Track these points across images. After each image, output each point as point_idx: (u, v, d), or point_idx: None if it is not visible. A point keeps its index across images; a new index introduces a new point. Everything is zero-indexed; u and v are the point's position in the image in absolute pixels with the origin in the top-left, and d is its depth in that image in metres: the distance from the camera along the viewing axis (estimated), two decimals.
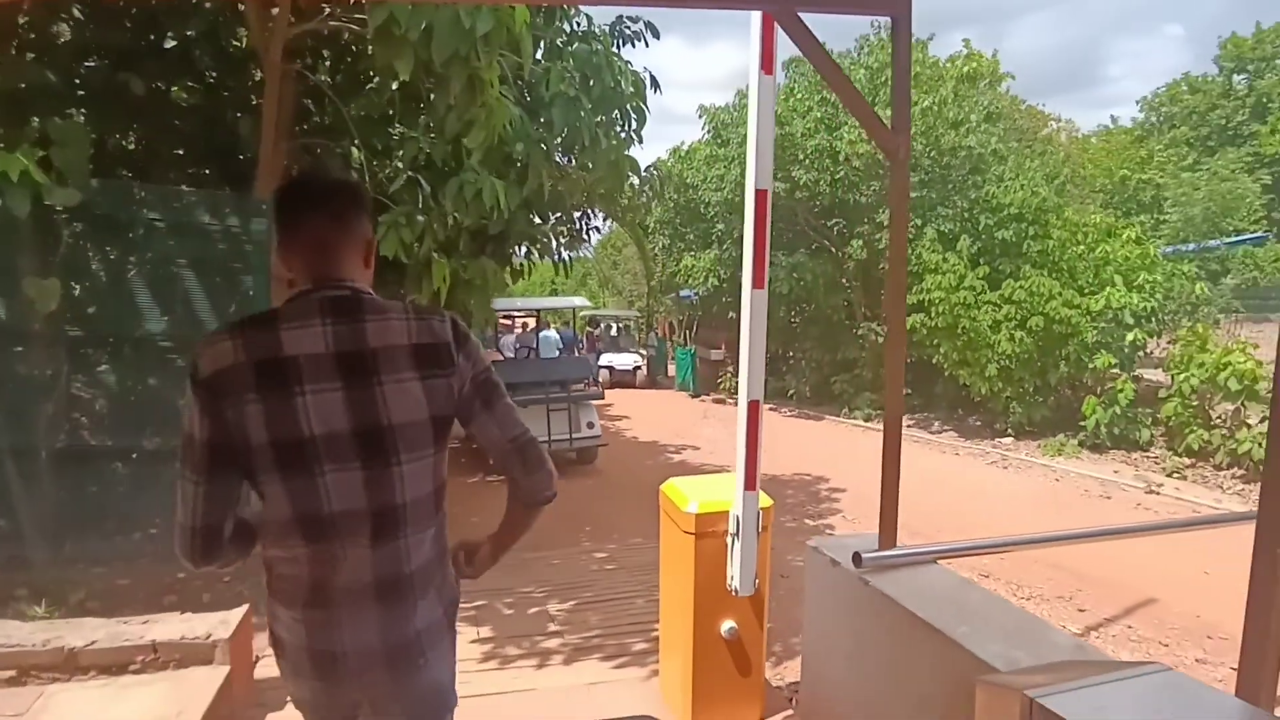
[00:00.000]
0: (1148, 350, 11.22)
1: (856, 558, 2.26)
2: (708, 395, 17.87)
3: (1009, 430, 11.40)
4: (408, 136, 4.26)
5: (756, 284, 2.57)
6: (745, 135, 10.26)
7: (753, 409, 2.62)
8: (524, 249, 6.37)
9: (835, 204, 12.94)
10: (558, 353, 20.89)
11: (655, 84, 5.30)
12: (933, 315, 11.11)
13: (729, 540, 2.65)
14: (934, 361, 11.79)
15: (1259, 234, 17.80)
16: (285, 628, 1.36)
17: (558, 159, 5.02)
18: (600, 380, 20.32)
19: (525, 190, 4.50)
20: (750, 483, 2.60)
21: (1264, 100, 28.94)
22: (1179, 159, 26.37)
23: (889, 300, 2.44)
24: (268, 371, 1.23)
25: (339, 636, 1.33)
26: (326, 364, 1.25)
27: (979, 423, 12.41)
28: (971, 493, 7.79)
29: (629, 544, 5.99)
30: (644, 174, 5.83)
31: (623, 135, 4.80)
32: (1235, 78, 30.63)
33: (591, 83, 4.42)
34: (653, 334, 24.24)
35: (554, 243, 6.37)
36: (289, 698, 1.50)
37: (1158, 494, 7.90)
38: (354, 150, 4.48)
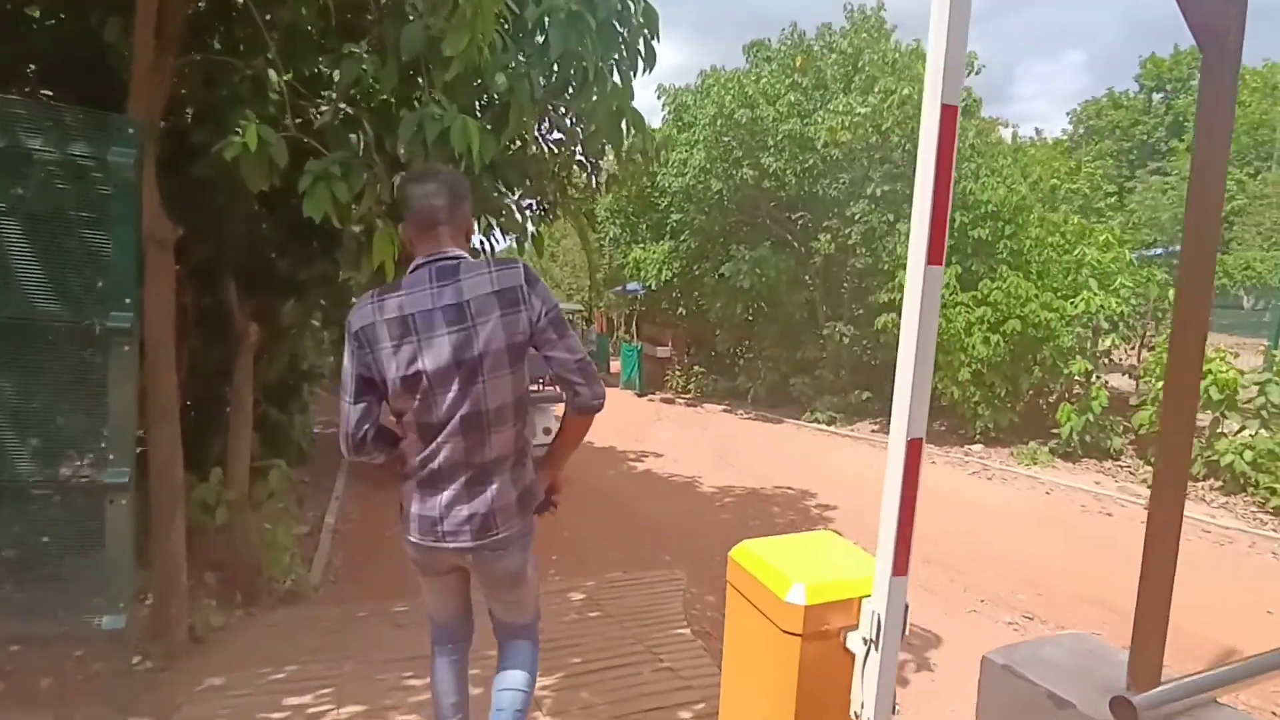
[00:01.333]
0: (1111, 356, 11.03)
1: (1124, 708, 1.39)
2: (655, 394, 17.02)
3: (977, 437, 11.00)
4: (346, 55, 3.13)
5: (933, 258, 1.63)
6: (714, 116, 9.23)
7: (913, 452, 1.71)
8: (482, 222, 5.29)
9: (801, 196, 12.25)
10: None
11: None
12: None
13: (863, 647, 1.74)
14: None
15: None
16: (408, 499, 1.96)
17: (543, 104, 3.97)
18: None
19: (504, 138, 3.45)
20: (901, 565, 1.69)
21: (1180, 119, 30.39)
22: (1104, 171, 27.25)
23: (1185, 295, 1.47)
24: (394, 326, 1.82)
25: (438, 504, 1.90)
26: (434, 317, 1.82)
27: (944, 428, 11.99)
28: (967, 507, 7.19)
29: (608, 580, 5.02)
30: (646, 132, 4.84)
31: (629, 75, 3.80)
32: (1154, 96, 32.11)
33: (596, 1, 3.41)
34: (591, 329, 23.24)
35: (519, 216, 5.29)
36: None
37: None
38: (271, 74, 3.32)
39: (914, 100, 10.66)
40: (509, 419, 1.88)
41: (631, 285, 19.14)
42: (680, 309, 16.53)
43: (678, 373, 17.24)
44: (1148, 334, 10.56)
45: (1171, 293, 10.24)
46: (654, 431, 11.88)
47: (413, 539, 1.93)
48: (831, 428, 12.32)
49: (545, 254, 24.59)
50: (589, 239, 21.12)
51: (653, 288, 16.19)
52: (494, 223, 5.16)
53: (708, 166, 11.91)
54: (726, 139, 11.73)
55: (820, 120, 10.98)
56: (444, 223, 1.86)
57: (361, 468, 8.57)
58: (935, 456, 10.20)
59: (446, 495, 1.87)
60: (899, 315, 7.84)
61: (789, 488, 7.69)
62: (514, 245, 5.65)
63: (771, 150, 11.47)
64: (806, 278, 12.88)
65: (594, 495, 7.28)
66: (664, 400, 16.24)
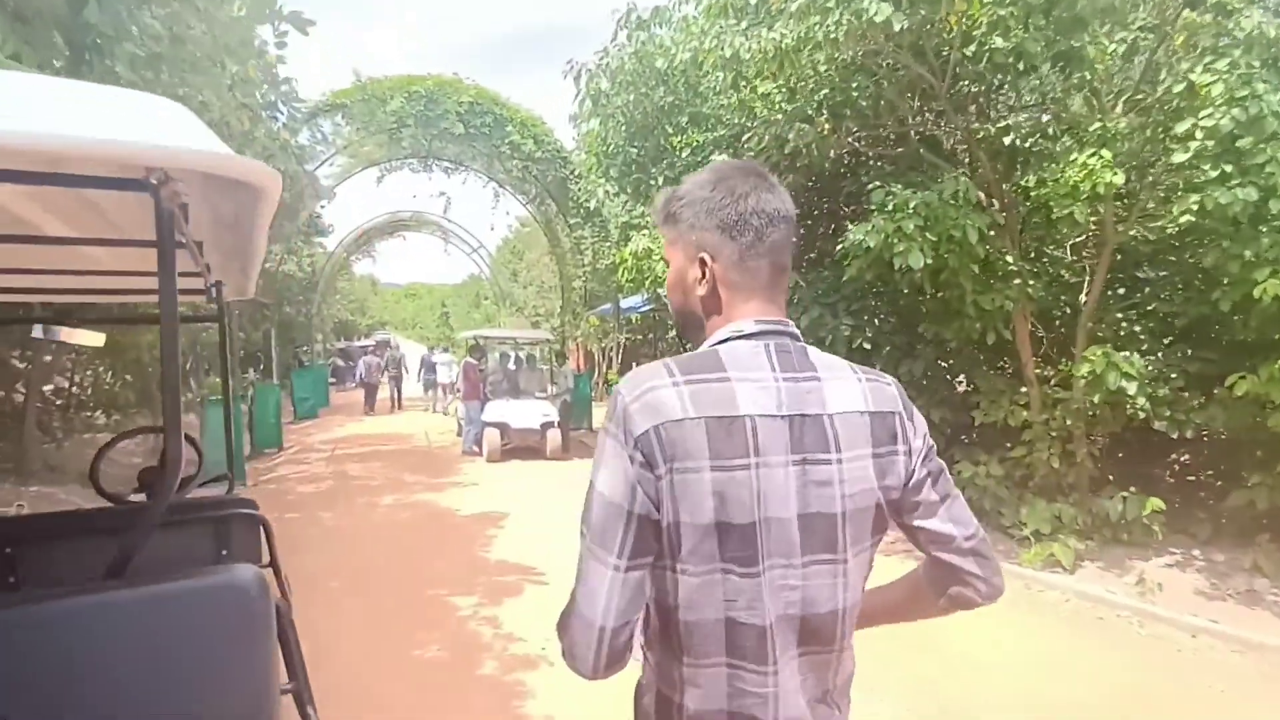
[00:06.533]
0: None
1: None
2: None
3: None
4: None
5: None
6: None
7: None
8: None
9: (1001, 89, 5.51)
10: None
11: None
12: None
13: None
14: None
15: None
16: None
17: None
18: (488, 445, 12.17)
19: None
20: None
21: None
22: None
23: None
24: (719, 431, 0.97)
25: None
26: (779, 430, 1.00)
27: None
28: None
29: None
30: None
31: None
32: None
33: None
34: (566, 367, 16.24)
35: None
36: None
37: None
38: None
39: None
40: (853, 626, 1.10)
41: (629, 301, 12.40)
42: None
43: None
44: None
45: None
46: None
47: None
48: (1081, 583, 5.49)
49: (505, 270, 17.26)
50: (560, 236, 14.47)
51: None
52: None
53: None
54: None
55: None
56: (784, 271, 1.10)
57: None
58: None
59: None
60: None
61: None
62: None
63: None
64: (1009, 257, 6.17)
65: None
66: None
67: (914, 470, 1.08)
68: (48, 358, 8.63)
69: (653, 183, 8.37)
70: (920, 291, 6.46)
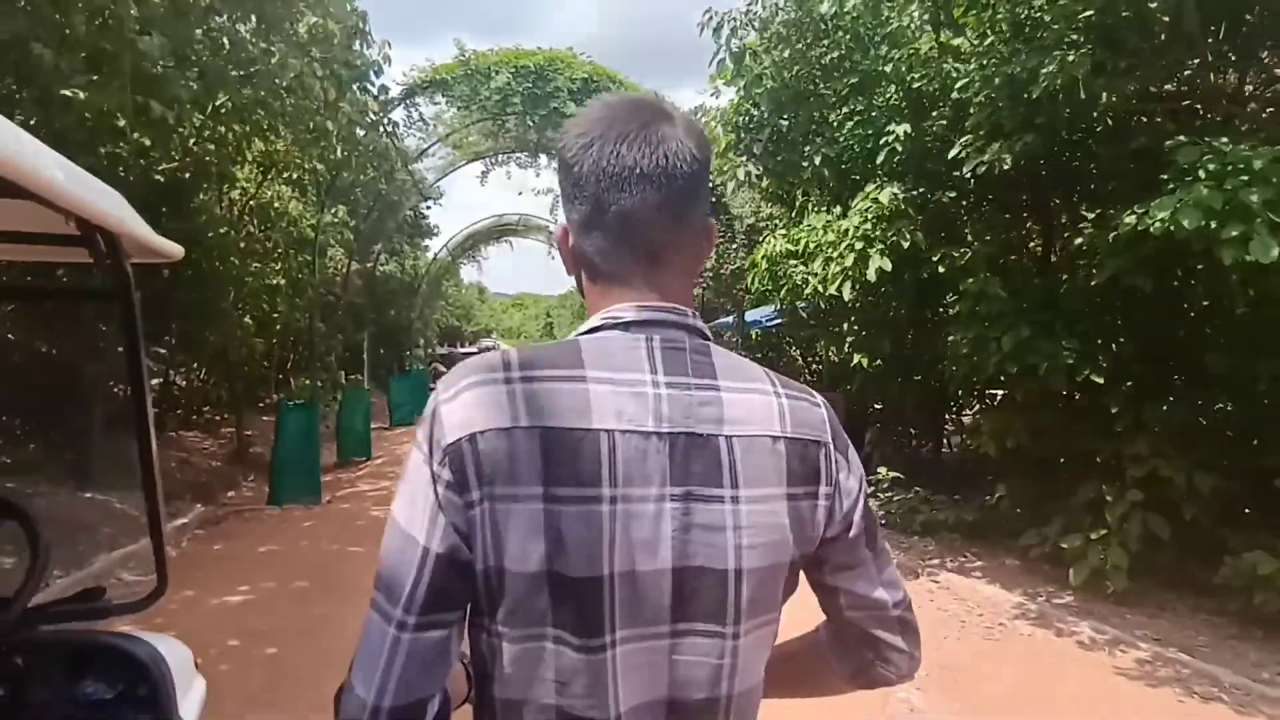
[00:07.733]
0: None
1: None
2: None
3: None
4: None
5: None
6: None
7: None
8: None
9: None
10: None
11: None
12: None
13: None
14: None
15: None
16: None
17: None
18: None
19: None
20: None
21: None
22: None
23: None
24: (561, 449, 0.68)
25: None
26: (653, 452, 0.70)
27: None
28: None
29: None
30: None
31: None
32: None
33: None
34: None
35: None
36: None
37: None
38: None
39: None
40: (755, 710, 0.80)
41: (755, 313, 10.75)
42: (854, 356, 7.89)
43: (916, 496, 8.57)
44: None
45: None
46: None
47: None
48: None
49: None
50: None
51: (813, 304, 7.75)
52: None
53: None
54: None
55: None
56: (671, 239, 0.76)
57: None
58: None
59: None
60: None
61: None
62: None
63: None
64: None
65: None
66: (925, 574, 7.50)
67: (848, 519, 0.79)
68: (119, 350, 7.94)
69: (805, 164, 6.69)
70: (1214, 305, 4.48)
